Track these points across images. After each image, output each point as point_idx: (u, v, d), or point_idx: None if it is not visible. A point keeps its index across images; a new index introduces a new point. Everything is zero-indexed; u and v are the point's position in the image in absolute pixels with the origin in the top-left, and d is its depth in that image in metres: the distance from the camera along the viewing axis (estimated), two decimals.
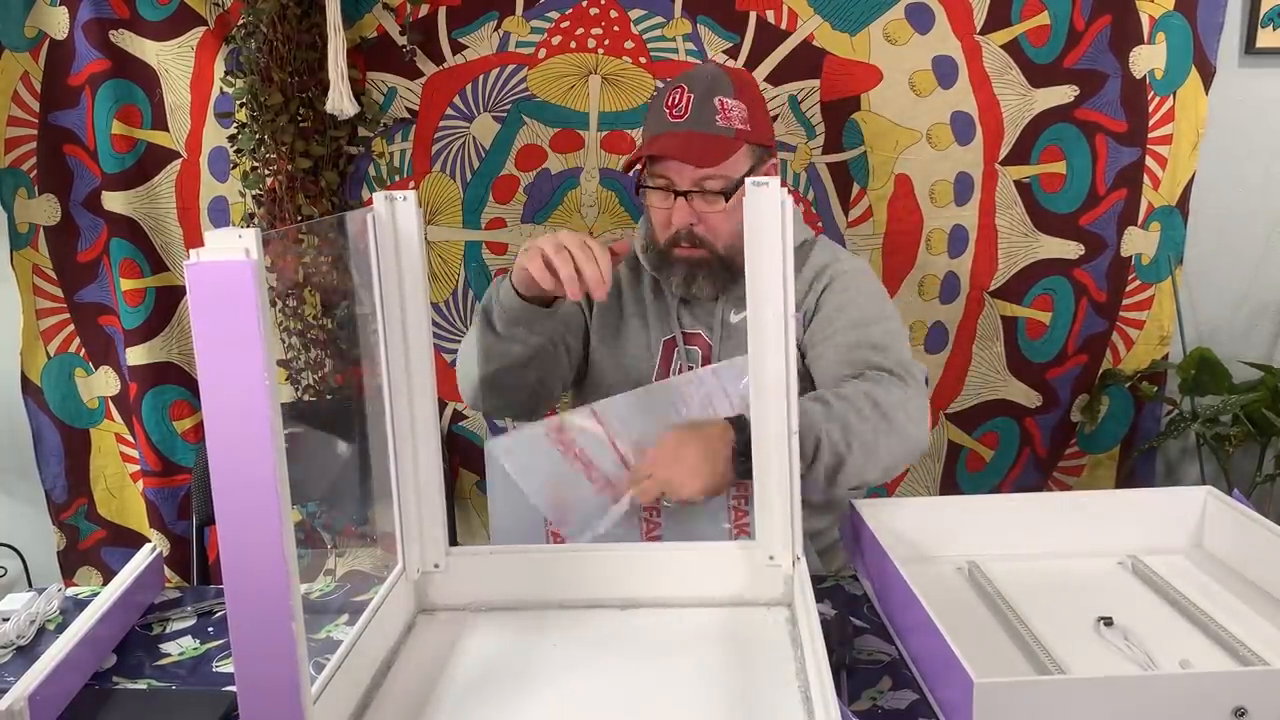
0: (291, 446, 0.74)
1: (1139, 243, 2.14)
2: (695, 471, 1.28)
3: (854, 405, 1.36)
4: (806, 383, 1.55)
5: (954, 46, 2.03)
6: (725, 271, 1.57)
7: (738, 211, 1.53)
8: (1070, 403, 2.21)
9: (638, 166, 1.60)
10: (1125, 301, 2.17)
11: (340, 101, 1.96)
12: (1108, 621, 1.12)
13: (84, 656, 1.12)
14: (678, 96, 1.54)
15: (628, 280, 1.68)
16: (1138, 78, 2.05)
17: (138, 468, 2.23)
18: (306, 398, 2.09)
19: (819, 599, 1.16)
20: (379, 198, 1.13)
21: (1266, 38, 2.11)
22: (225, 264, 0.69)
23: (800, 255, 1.64)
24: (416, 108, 2.08)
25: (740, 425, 1.32)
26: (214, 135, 2.09)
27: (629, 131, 2.08)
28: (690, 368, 1.58)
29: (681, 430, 1.34)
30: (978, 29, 2.02)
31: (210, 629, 1.26)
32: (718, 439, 1.30)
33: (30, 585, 2.14)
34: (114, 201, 2.10)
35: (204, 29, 2.04)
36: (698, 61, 2.05)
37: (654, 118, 1.59)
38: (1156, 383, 2.19)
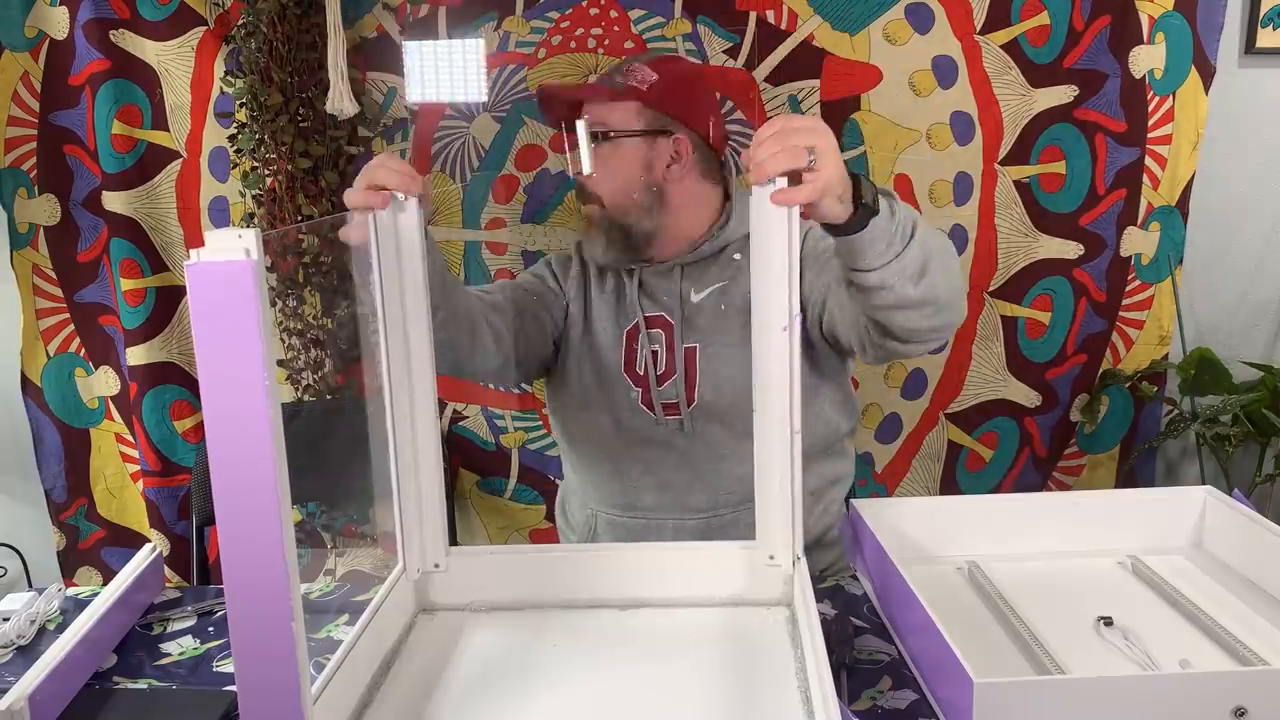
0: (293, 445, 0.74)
1: (1139, 243, 2.14)
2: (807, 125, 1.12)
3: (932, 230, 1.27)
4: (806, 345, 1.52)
5: (954, 46, 2.03)
6: (620, 234, 1.61)
7: (623, 168, 1.58)
8: (1070, 403, 2.21)
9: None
10: (1125, 301, 2.17)
11: (340, 101, 1.96)
12: (1108, 621, 1.12)
13: (84, 656, 1.12)
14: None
15: (594, 272, 1.71)
16: (1137, 78, 2.05)
17: (138, 468, 2.23)
18: (307, 398, 2.09)
19: (819, 599, 1.16)
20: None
21: (1266, 38, 2.11)
22: (225, 264, 0.69)
23: None
24: (416, 108, 2.08)
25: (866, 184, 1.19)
26: (214, 135, 2.09)
27: None
28: (655, 351, 1.61)
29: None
30: (977, 29, 2.02)
31: (210, 629, 1.26)
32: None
33: (30, 585, 2.14)
34: (114, 201, 2.10)
35: (204, 29, 2.04)
36: (698, 62, 2.05)
37: None
38: (1156, 383, 2.19)
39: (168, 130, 2.09)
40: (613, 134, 1.58)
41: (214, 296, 0.69)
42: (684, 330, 1.60)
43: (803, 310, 1.51)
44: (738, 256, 1.60)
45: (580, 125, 1.50)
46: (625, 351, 1.63)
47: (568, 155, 1.56)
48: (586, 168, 1.51)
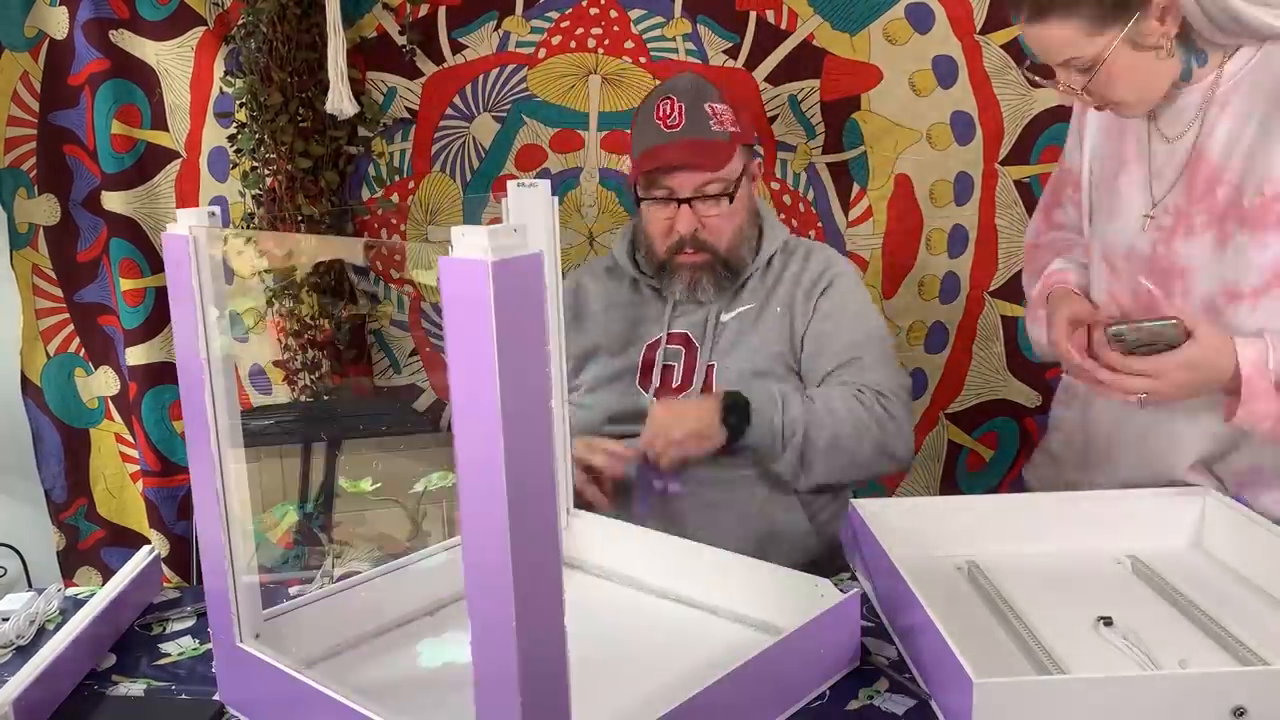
0: None
1: None
2: (683, 417, 1.47)
3: (832, 408, 1.50)
4: (787, 369, 1.62)
5: (954, 46, 2.03)
6: (727, 272, 1.62)
7: (739, 212, 1.59)
8: None
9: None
10: None
11: (340, 101, 1.96)
12: (1108, 621, 1.12)
13: (77, 658, 1.11)
14: (668, 108, 1.57)
15: (601, 290, 1.72)
16: None
17: (137, 468, 2.23)
18: (304, 398, 2.09)
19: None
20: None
21: None
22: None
23: (798, 255, 1.66)
24: (416, 108, 2.08)
25: (733, 397, 1.48)
26: (214, 135, 2.09)
27: (629, 131, 2.07)
28: (671, 367, 1.64)
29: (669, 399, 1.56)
30: (977, 29, 2.02)
31: (209, 629, 1.26)
32: (706, 401, 1.51)
33: (30, 585, 2.14)
34: (114, 201, 2.10)
35: (204, 29, 2.04)
36: (698, 62, 2.05)
37: (645, 130, 1.61)
38: None
39: (167, 130, 2.09)
40: (734, 188, 1.58)
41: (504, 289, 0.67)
42: (712, 348, 1.62)
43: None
44: (780, 310, 1.62)
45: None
46: (643, 360, 1.65)
47: (674, 220, 1.57)
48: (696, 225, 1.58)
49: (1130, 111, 1.29)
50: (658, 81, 2.05)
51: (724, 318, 1.63)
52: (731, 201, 1.57)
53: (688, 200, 1.58)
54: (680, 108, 1.56)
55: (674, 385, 1.63)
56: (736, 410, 1.49)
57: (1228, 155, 1.24)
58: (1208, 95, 1.25)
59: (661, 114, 1.58)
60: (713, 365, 1.61)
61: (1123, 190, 1.36)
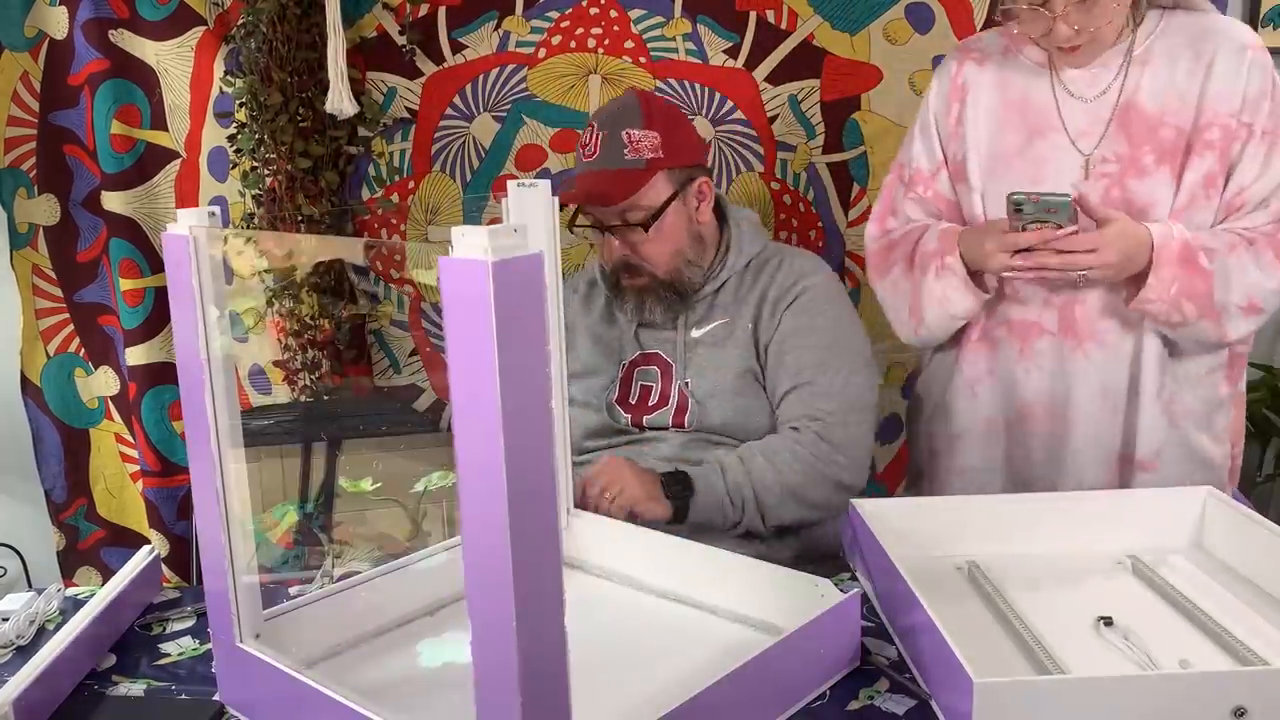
0: None
1: None
2: (624, 481, 1.43)
3: (775, 462, 1.51)
4: (759, 384, 1.60)
5: (954, 46, 2.02)
6: (673, 293, 1.60)
7: (673, 236, 1.58)
8: None
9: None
10: None
11: (340, 101, 1.96)
12: (1108, 621, 1.12)
13: (77, 659, 1.11)
14: (588, 136, 1.57)
15: (581, 305, 1.71)
16: None
17: (137, 468, 2.23)
18: (304, 398, 2.09)
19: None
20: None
21: (1266, 38, 2.10)
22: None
23: (770, 266, 1.64)
24: (416, 108, 2.08)
25: (669, 475, 1.49)
26: (214, 135, 2.09)
27: None
28: (649, 387, 1.62)
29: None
30: (978, 29, 2.02)
31: (209, 629, 1.26)
32: (649, 472, 1.48)
33: (30, 585, 2.14)
34: (113, 201, 2.10)
35: (203, 29, 2.04)
36: (698, 62, 2.05)
37: (576, 157, 1.62)
38: None
39: (167, 130, 2.09)
40: (655, 216, 1.56)
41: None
42: (686, 366, 1.61)
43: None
44: (749, 325, 1.60)
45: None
46: (620, 383, 1.64)
47: (600, 246, 1.60)
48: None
49: (1093, 49, 1.44)
50: (658, 82, 2.05)
51: (695, 334, 1.62)
52: (647, 230, 1.55)
53: (610, 228, 1.58)
54: (599, 137, 1.55)
55: (650, 404, 1.62)
56: (679, 480, 1.48)
57: (1160, 101, 1.43)
58: (1126, 56, 1.45)
59: (583, 142, 1.59)
60: (687, 384, 1.60)
61: (1046, 156, 1.48)
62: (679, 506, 1.47)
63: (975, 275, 1.48)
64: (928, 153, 1.58)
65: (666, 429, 1.60)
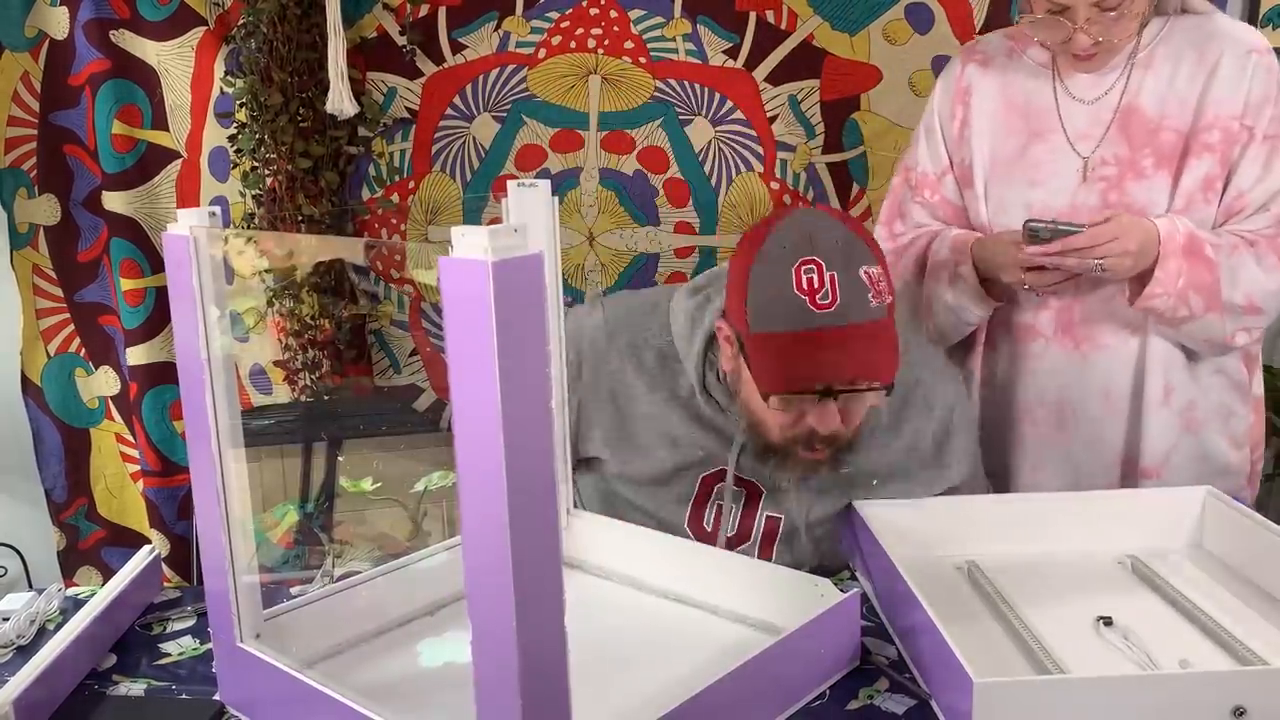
0: None
1: None
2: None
3: None
4: None
5: (954, 46, 2.03)
6: (845, 459, 1.30)
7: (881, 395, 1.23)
8: None
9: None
10: None
11: (340, 101, 1.96)
12: (1108, 621, 1.12)
13: (77, 659, 1.11)
14: (815, 277, 1.13)
15: (647, 387, 1.35)
16: None
17: (138, 468, 2.23)
18: (304, 398, 2.09)
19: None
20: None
21: (1266, 37, 2.10)
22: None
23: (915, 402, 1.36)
24: (416, 108, 2.08)
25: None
26: (214, 135, 2.09)
27: (629, 131, 2.08)
28: (732, 509, 1.35)
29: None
30: (977, 29, 2.02)
31: (209, 629, 1.26)
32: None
33: (30, 585, 2.14)
34: (114, 201, 2.10)
35: (204, 29, 2.04)
36: (698, 62, 2.05)
37: (774, 295, 1.15)
38: None
39: (168, 130, 2.10)
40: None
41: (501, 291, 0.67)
42: (769, 498, 1.36)
43: None
44: (876, 483, 1.33)
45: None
46: (696, 497, 1.36)
47: (810, 414, 1.18)
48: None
49: (1106, 57, 1.43)
50: (658, 82, 2.05)
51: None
52: (889, 393, 1.20)
53: (836, 393, 1.17)
54: (831, 280, 1.13)
55: (729, 534, 1.35)
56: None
57: (1161, 105, 1.43)
58: (1129, 58, 1.44)
59: (801, 287, 1.13)
60: (777, 519, 1.36)
61: (1044, 159, 1.48)
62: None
63: (987, 283, 1.47)
64: (933, 157, 1.58)
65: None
